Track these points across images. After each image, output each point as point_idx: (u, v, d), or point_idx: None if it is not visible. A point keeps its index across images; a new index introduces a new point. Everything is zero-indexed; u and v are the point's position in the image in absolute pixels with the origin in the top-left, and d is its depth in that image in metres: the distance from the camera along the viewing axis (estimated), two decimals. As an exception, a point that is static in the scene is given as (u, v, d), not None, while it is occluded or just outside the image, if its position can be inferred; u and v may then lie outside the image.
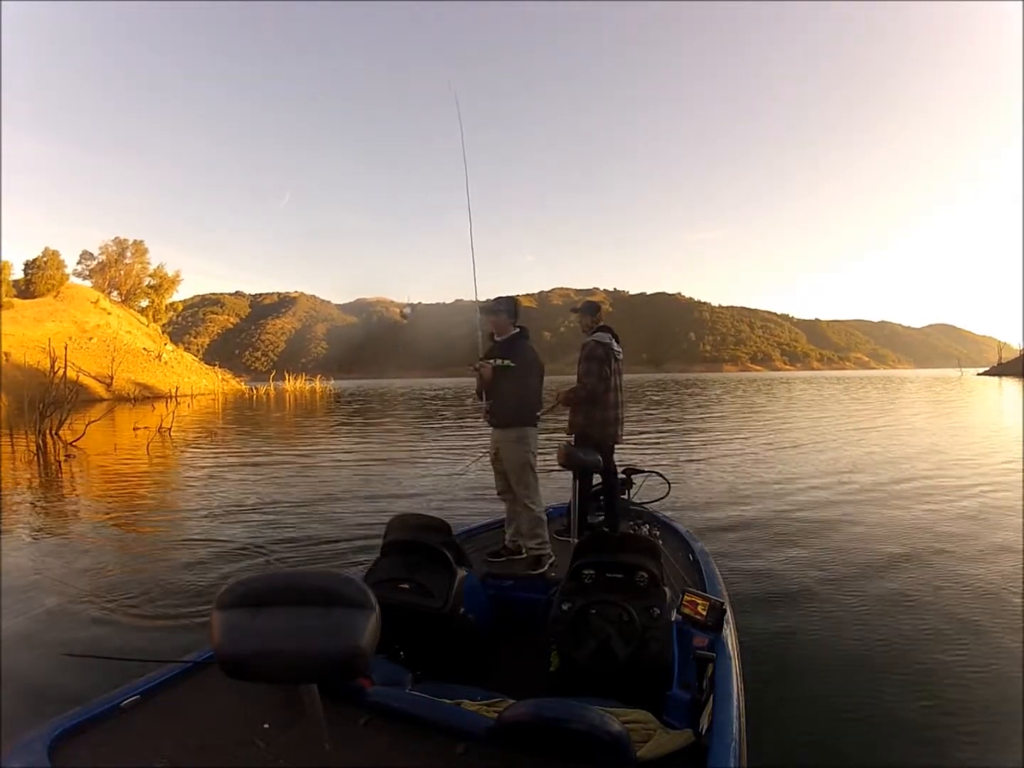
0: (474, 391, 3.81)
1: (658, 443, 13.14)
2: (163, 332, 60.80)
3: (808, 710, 2.83)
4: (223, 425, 21.41)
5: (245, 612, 0.97)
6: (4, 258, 44.59)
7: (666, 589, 2.37)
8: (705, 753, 1.57)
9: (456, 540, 2.82)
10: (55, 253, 51.17)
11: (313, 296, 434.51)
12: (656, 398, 33.25)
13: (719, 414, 22.12)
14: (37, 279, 49.09)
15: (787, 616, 3.88)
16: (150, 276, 60.19)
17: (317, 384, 63.10)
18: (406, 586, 2.54)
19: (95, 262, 57.90)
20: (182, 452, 13.58)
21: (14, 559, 5.29)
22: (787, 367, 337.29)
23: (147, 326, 57.62)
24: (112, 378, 41.38)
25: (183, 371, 52.56)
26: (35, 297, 48.08)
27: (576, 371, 4.30)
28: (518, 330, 3.67)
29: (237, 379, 65.79)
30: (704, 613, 2.27)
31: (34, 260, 50.23)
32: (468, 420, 20.28)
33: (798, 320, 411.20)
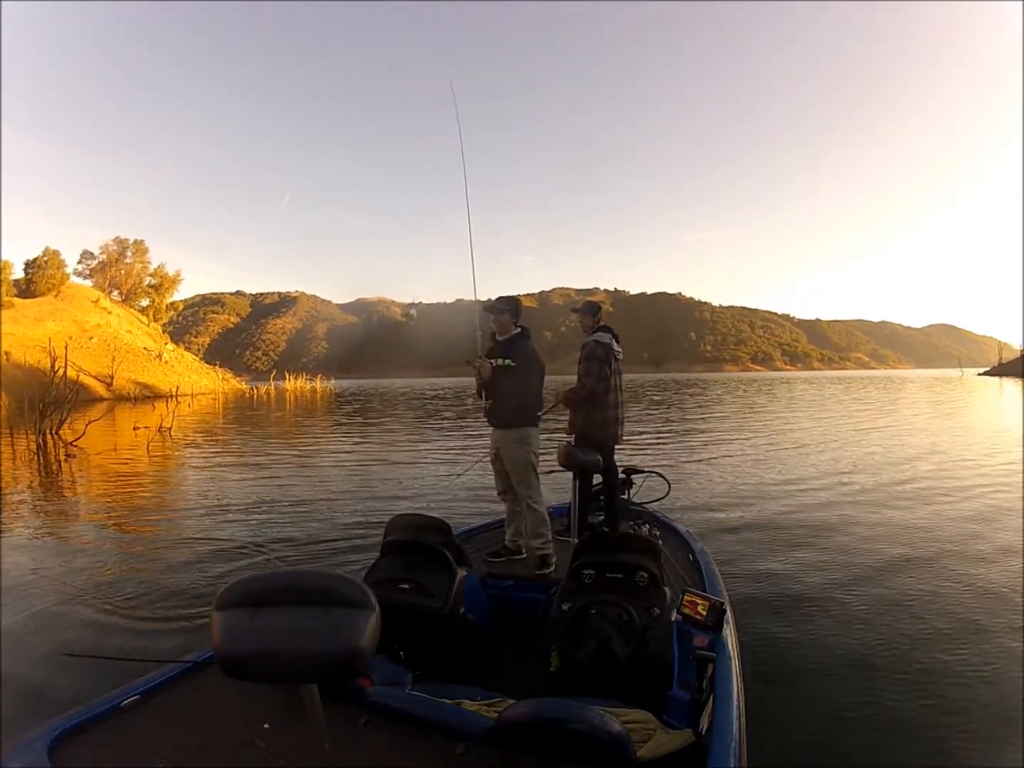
0: (474, 390, 3.82)
1: (658, 443, 13.14)
2: (164, 331, 60.79)
3: (808, 710, 2.83)
4: (223, 425, 21.43)
5: (245, 612, 0.97)
6: (5, 258, 44.65)
7: (666, 589, 2.37)
8: (705, 753, 1.57)
9: (456, 540, 2.82)
10: (56, 253, 51.25)
11: (314, 296, 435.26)
12: (657, 398, 33.24)
13: (720, 414, 22.12)
14: (38, 278, 49.11)
15: (787, 616, 3.88)
16: (151, 275, 60.22)
17: (318, 384, 63.13)
18: (406, 586, 2.54)
19: (96, 261, 57.96)
20: (182, 452, 13.58)
21: (14, 558, 5.29)
22: (788, 367, 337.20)
23: (148, 325, 57.62)
24: (112, 377, 41.39)
25: (183, 370, 52.58)
26: (36, 296, 48.09)
27: (576, 371, 4.30)
28: (520, 330, 3.67)
29: (238, 379, 65.81)
30: (704, 613, 2.27)
31: (35, 260, 50.27)
32: (468, 420, 20.28)
33: (799, 320, 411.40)
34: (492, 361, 3.58)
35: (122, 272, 58.62)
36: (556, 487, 6.31)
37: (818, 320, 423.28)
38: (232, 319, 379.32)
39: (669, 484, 4.84)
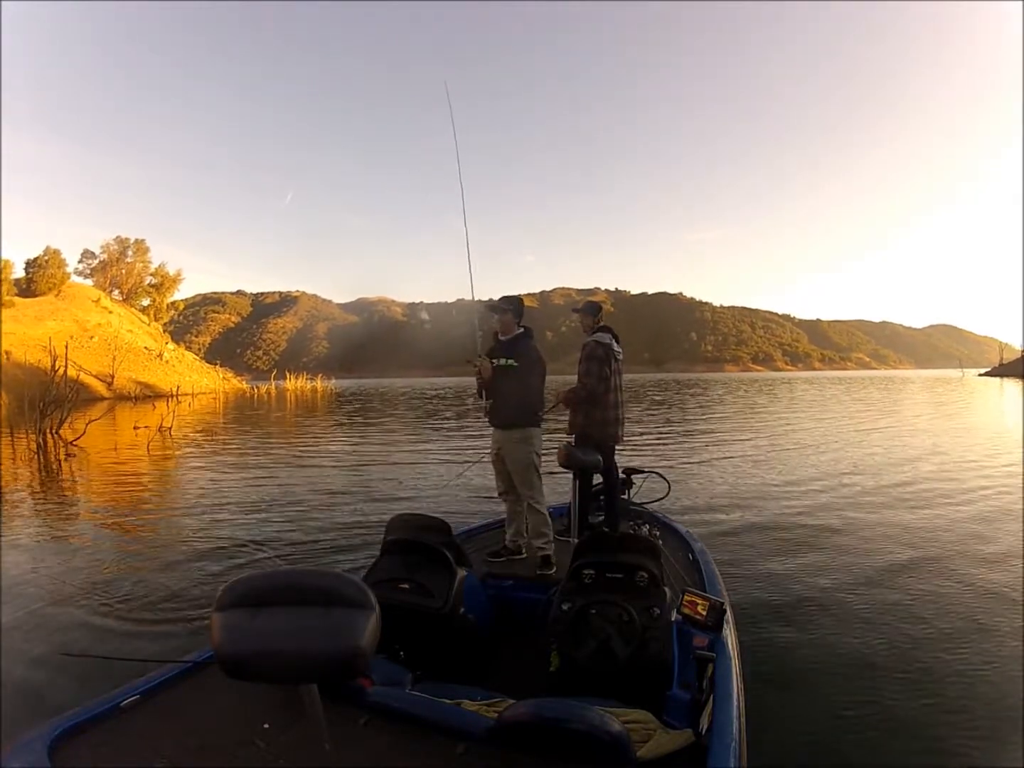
0: (475, 390, 3.82)
1: (659, 444, 13.14)
2: (164, 331, 60.81)
3: (808, 710, 2.83)
4: (224, 424, 21.43)
5: (245, 612, 0.97)
6: (5, 257, 44.63)
7: (666, 589, 2.37)
8: (705, 753, 1.57)
9: (456, 540, 2.83)
10: (56, 252, 51.24)
11: (314, 295, 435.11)
12: (657, 398, 33.25)
13: (720, 414, 22.12)
14: (38, 278, 49.11)
15: (787, 616, 3.88)
16: (151, 275, 60.20)
17: (318, 383, 63.10)
18: (406, 586, 2.54)
19: (96, 261, 57.93)
20: (183, 451, 13.58)
21: (13, 557, 5.29)
22: (788, 367, 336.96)
23: (148, 325, 57.64)
24: (113, 377, 41.39)
25: (184, 370, 52.59)
26: (36, 296, 48.09)
27: (577, 371, 4.31)
28: (522, 330, 3.68)
29: (238, 378, 65.81)
30: (704, 613, 2.27)
31: (35, 259, 50.24)
32: (468, 419, 20.30)
33: (799, 320, 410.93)
34: (493, 361, 3.58)
35: (123, 271, 58.62)
36: (556, 487, 6.31)
37: (819, 320, 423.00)
38: (233, 318, 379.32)
39: (669, 484, 4.85)
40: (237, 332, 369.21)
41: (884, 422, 17.91)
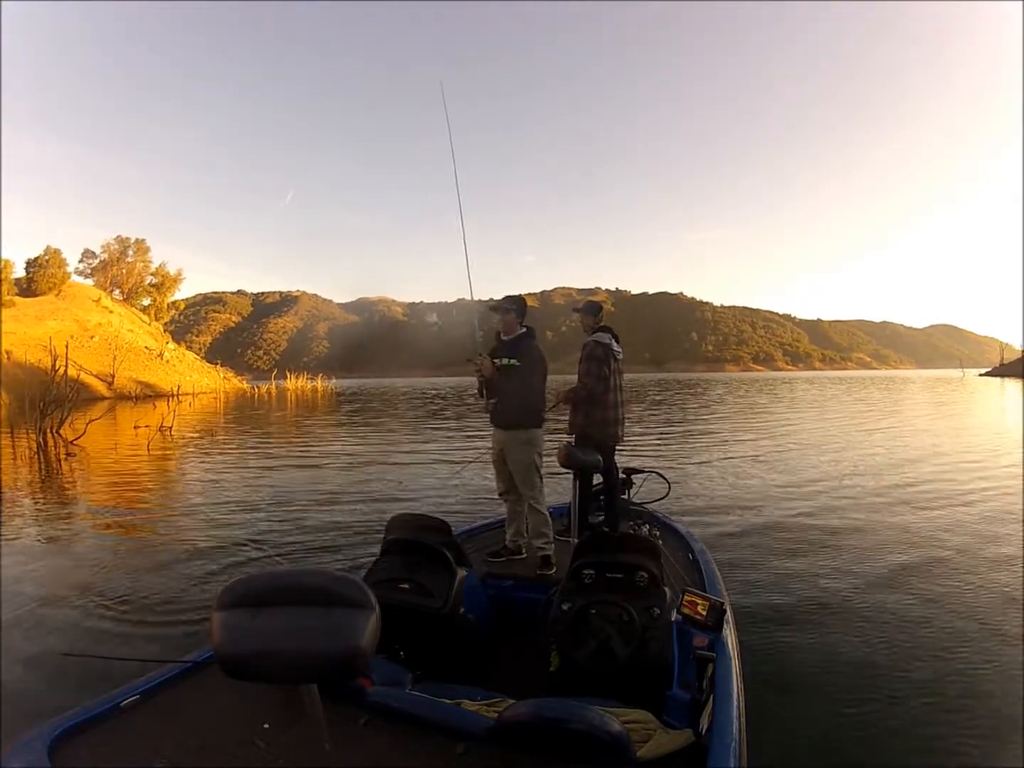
0: (475, 390, 3.81)
1: (660, 444, 13.14)
2: (165, 330, 60.84)
3: (808, 710, 2.84)
4: (224, 424, 21.45)
5: (245, 612, 0.97)
6: (6, 256, 44.67)
7: (666, 589, 2.37)
8: (705, 753, 1.57)
9: (456, 540, 2.83)
10: (57, 251, 51.28)
11: (315, 295, 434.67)
12: (658, 398, 33.26)
13: (721, 415, 22.12)
14: (39, 277, 49.14)
15: (787, 616, 3.88)
16: (152, 274, 60.26)
17: (319, 383, 63.12)
18: (406, 586, 2.54)
19: (97, 260, 57.99)
20: (183, 451, 13.60)
21: (13, 557, 5.29)
22: (789, 367, 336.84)
23: (149, 324, 57.68)
24: (113, 376, 41.43)
25: (185, 369, 52.63)
26: (37, 295, 48.13)
27: (577, 371, 4.31)
28: (525, 330, 3.68)
29: (239, 378, 65.91)
30: (704, 613, 2.27)
31: (36, 258, 50.27)
32: (469, 419, 20.30)
33: (800, 320, 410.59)
34: (496, 360, 3.59)
35: (123, 271, 58.67)
36: (556, 487, 6.31)
37: (819, 320, 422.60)
38: (233, 318, 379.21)
39: (669, 484, 4.84)
40: (238, 332, 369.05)
41: (885, 422, 17.91)
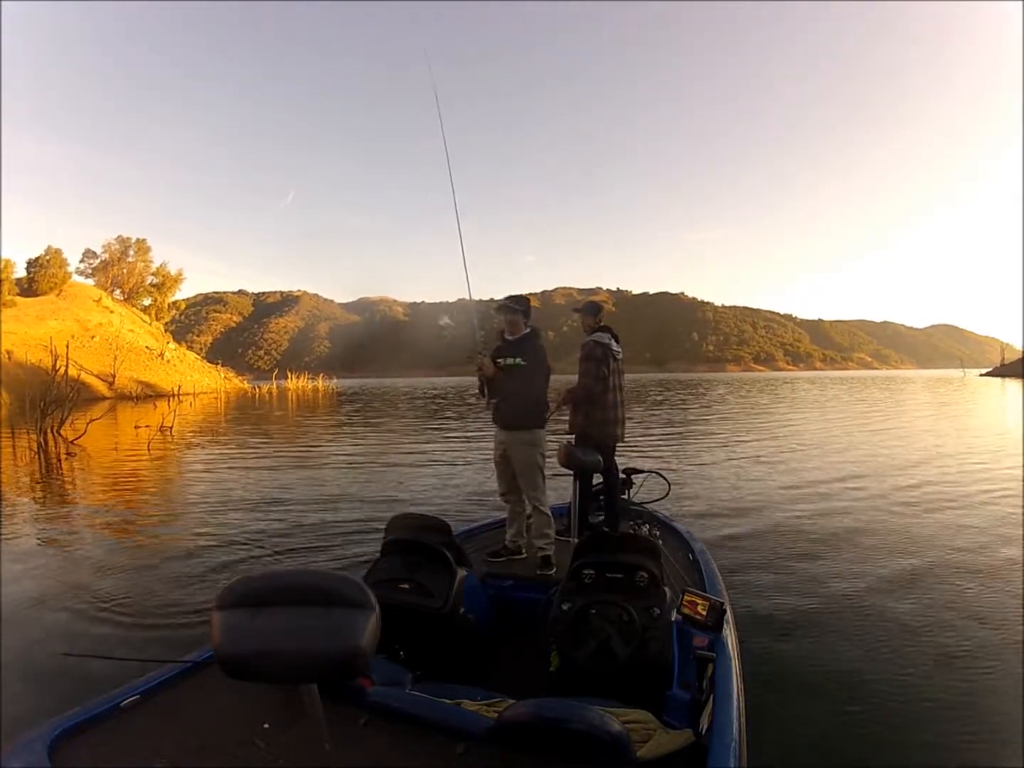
0: (476, 389, 3.81)
1: (661, 444, 13.13)
2: (166, 330, 60.88)
3: (808, 710, 2.83)
4: (225, 424, 21.46)
5: (245, 612, 0.97)
6: (7, 256, 44.68)
7: (666, 589, 2.37)
8: (705, 753, 1.57)
9: (456, 540, 2.83)
10: (58, 251, 51.30)
11: (316, 295, 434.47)
12: (659, 398, 33.24)
13: (722, 415, 22.11)
14: (40, 277, 49.17)
15: (787, 616, 3.88)
16: (153, 274, 60.32)
17: (320, 383, 63.18)
18: (406, 586, 2.55)
19: (98, 260, 58.07)
20: (183, 451, 13.61)
21: (13, 557, 5.30)
22: (790, 367, 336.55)
23: (150, 324, 57.72)
24: (114, 376, 41.44)
25: (186, 369, 52.67)
26: (38, 295, 48.15)
27: (577, 371, 4.31)
28: (529, 330, 3.69)
29: (240, 377, 65.96)
30: (704, 613, 2.27)
31: (37, 258, 50.32)
32: (469, 420, 20.31)
33: (801, 320, 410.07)
34: (500, 360, 3.59)
35: (124, 271, 58.72)
36: (556, 487, 6.31)
37: (820, 320, 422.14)
38: (234, 318, 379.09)
39: (669, 484, 4.84)
40: (239, 332, 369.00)
41: (887, 423, 17.88)
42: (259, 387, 59.40)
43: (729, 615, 2.35)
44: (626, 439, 4.49)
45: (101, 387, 40.14)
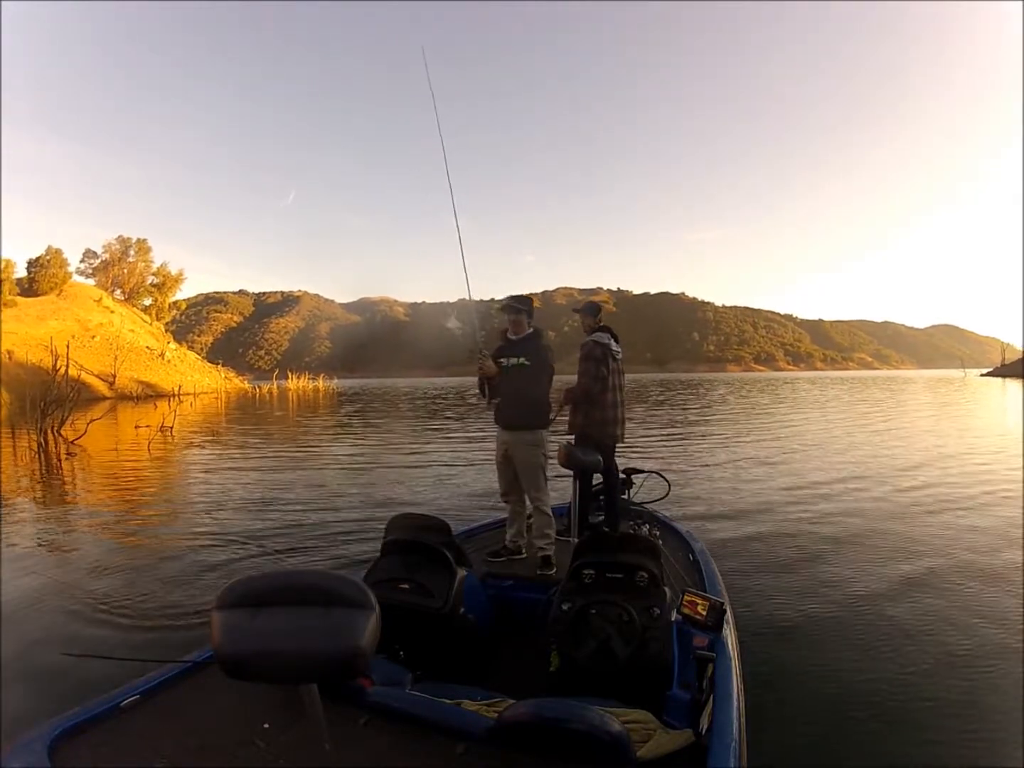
0: (476, 389, 3.81)
1: (661, 444, 13.13)
2: (166, 330, 60.93)
3: (808, 710, 2.83)
4: (226, 424, 21.45)
5: (245, 612, 0.97)
6: (7, 256, 44.73)
7: (666, 589, 2.37)
8: (705, 753, 1.57)
9: (456, 540, 2.83)
10: (58, 251, 51.35)
11: (316, 295, 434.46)
12: (660, 398, 33.23)
13: (722, 415, 22.09)
14: (40, 277, 49.21)
15: (787, 616, 3.87)
16: (153, 274, 60.38)
17: (320, 383, 63.20)
18: (406, 586, 2.55)
19: (98, 260, 58.15)
20: (183, 451, 13.61)
21: (13, 557, 5.30)
22: (791, 367, 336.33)
23: (150, 324, 57.75)
24: (115, 376, 41.46)
25: (186, 369, 52.69)
26: (38, 295, 48.18)
27: (577, 371, 4.31)
28: (532, 330, 3.69)
29: (240, 378, 66.00)
30: (704, 613, 2.27)
31: (37, 258, 50.36)
32: (470, 420, 20.30)
33: (801, 320, 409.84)
34: (502, 360, 3.60)
35: (125, 271, 58.78)
36: (556, 487, 6.31)
37: (821, 320, 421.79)
38: (235, 318, 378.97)
39: (669, 484, 4.84)
40: (239, 332, 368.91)
41: (888, 423, 17.86)
42: (260, 387, 59.42)
43: (729, 615, 2.35)
44: (626, 439, 4.49)
45: (102, 387, 40.16)
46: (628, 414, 4.46)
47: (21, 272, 48.46)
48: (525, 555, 3.58)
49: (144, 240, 59.69)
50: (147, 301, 60.20)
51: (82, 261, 57.57)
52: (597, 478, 4.34)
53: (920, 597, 4.16)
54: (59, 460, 11.79)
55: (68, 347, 19.55)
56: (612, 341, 4.25)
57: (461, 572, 2.61)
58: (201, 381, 52.25)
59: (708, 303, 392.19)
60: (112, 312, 51.92)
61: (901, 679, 3.08)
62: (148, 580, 4.66)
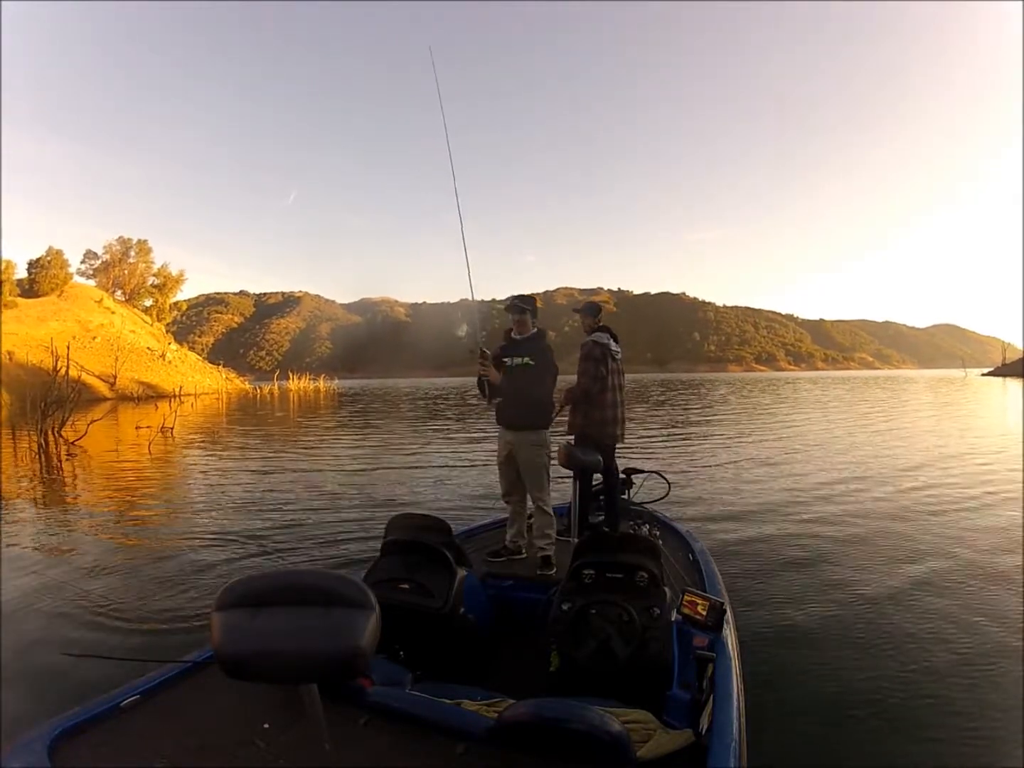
0: (477, 389, 3.80)
1: (662, 444, 13.12)
2: (167, 331, 60.97)
3: (808, 710, 2.83)
4: (226, 425, 21.47)
5: (245, 612, 0.97)
6: (8, 257, 44.77)
7: (666, 589, 2.37)
8: (705, 753, 1.57)
9: (456, 540, 2.83)
10: (59, 252, 51.42)
11: (317, 295, 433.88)
12: (661, 398, 33.22)
13: (723, 415, 22.08)
14: (41, 278, 49.27)
15: (788, 616, 3.87)
16: (154, 275, 60.50)
17: (321, 384, 63.24)
18: (406, 586, 2.55)
19: (99, 261, 58.24)
20: (184, 451, 13.61)
21: (13, 558, 5.31)
22: (792, 367, 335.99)
23: (151, 325, 57.79)
24: (115, 377, 41.48)
25: (187, 370, 52.71)
26: (39, 296, 48.23)
27: (577, 371, 4.32)
28: (536, 330, 3.70)
29: (241, 378, 65.99)
30: (704, 613, 2.27)
31: (38, 259, 50.43)
32: (470, 420, 20.29)
33: (802, 320, 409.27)
34: (507, 359, 3.61)
35: (125, 272, 58.86)
36: (556, 487, 6.30)
37: (822, 320, 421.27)
38: (236, 319, 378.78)
39: (669, 484, 4.84)
40: (240, 332, 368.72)
41: (889, 423, 17.84)
42: (260, 388, 59.50)
43: (729, 615, 2.35)
44: (627, 439, 4.49)
45: (102, 388, 40.18)
46: (628, 414, 4.46)
47: (22, 273, 48.63)
48: (525, 555, 3.58)
49: (145, 241, 59.89)
50: (148, 302, 60.30)
51: (83, 262, 57.78)
52: (597, 478, 4.34)
53: (920, 596, 4.16)
54: (59, 461, 11.80)
55: (69, 348, 19.61)
56: (612, 341, 4.25)
57: (461, 572, 2.61)
58: (202, 382, 52.28)
59: (709, 303, 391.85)
60: (113, 313, 51.96)
61: (901, 678, 3.08)
62: (148, 580, 4.66)
